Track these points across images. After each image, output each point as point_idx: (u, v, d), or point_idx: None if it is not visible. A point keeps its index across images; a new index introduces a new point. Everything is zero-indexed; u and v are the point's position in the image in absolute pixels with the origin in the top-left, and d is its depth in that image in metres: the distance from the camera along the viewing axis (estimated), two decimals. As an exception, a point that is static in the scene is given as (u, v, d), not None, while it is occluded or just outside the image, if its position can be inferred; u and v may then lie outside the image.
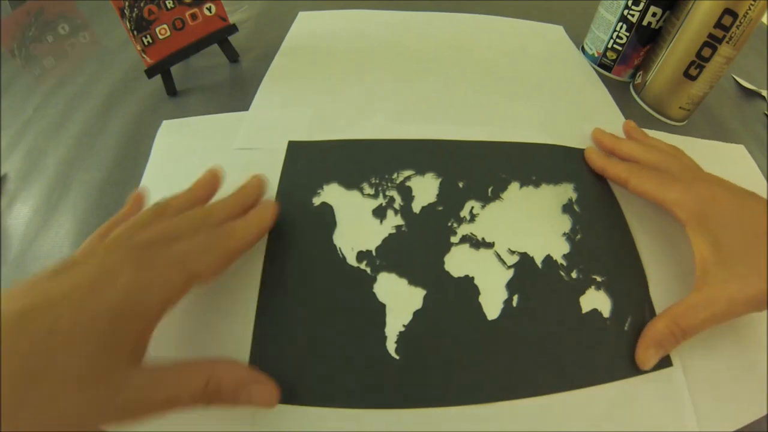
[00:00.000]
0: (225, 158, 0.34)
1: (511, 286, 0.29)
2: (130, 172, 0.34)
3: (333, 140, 0.36)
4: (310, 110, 0.38)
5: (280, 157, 0.34)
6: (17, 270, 0.29)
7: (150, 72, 0.33)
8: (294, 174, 0.33)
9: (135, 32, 0.30)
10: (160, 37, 0.32)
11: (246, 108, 0.39)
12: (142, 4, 0.30)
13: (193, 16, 0.33)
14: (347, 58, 0.45)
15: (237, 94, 0.40)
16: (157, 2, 0.30)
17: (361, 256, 0.29)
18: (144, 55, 0.32)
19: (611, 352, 0.26)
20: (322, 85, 0.41)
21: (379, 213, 0.31)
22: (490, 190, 0.33)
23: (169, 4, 0.31)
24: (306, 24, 0.49)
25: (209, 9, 0.34)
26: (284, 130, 0.36)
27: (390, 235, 0.30)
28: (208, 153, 0.35)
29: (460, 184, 0.33)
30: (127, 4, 0.29)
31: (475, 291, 0.28)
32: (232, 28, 0.36)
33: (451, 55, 0.46)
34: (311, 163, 0.34)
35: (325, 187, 0.33)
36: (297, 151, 0.35)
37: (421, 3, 0.53)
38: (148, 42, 0.31)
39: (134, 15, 0.30)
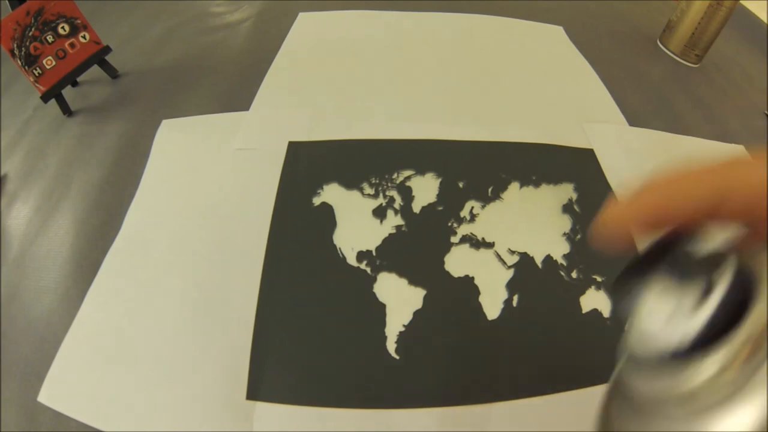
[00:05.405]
0: (225, 158, 0.35)
1: (511, 286, 0.28)
2: (130, 172, 0.34)
3: (333, 140, 0.36)
4: (310, 110, 0.38)
5: (280, 157, 0.34)
6: (17, 270, 0.29)
7: (45, 98, 0.36)
8: (294, 174, 0.33)
9: (26, 67, 0.34)
10: (48, 67, 0.36)
11: (246, 108, 0.39)
12: (27, 43, 0.33)
13: (72, 45, 0.37)
14: (347, 58, 0.45)
15: (237, 94, 0.40)
16: (39, 39, 0.34)
17: (361, 256, 0.29)
18: (37, 85, 0.35)
19: (611, 352, 0.26)
20: (322, 85, 0.41)
21: (379, 213, 0.31)
22: (490, 190, 0.33)
23: (50, 39, 0.35)
24: (306, 24, 0.49)
25: (84, 37, 0.38)
26: (284, 130, 0.36)
27: (390, 235, 0.30)
28: (208, 153, 0.35)
29: (460, 184, 0.33)
30: (15, 45, 0.33)
31: (475, 291, 0.28)
32: (107, 49, 0.40)
33: (451, 56, 0.46)
34: (311, 163, 0.34)
35: (325, 187, 0.33)
36: (297, 151, 0.35)
37: (421, 3, 0.53)
38: (38, 73, 0.35)
39: (23, 53, 0.33)
